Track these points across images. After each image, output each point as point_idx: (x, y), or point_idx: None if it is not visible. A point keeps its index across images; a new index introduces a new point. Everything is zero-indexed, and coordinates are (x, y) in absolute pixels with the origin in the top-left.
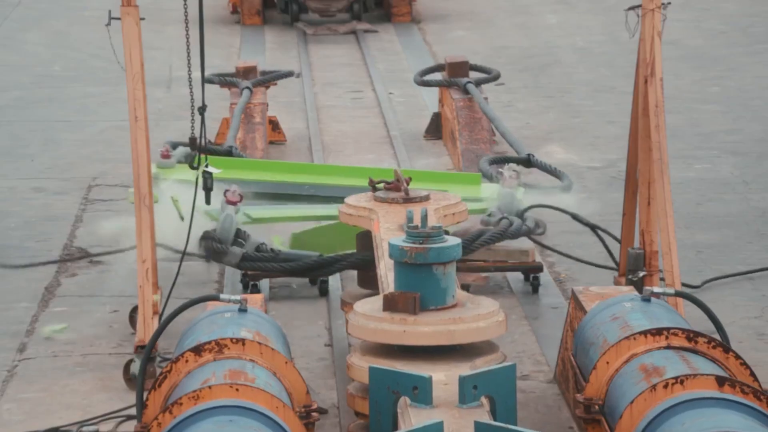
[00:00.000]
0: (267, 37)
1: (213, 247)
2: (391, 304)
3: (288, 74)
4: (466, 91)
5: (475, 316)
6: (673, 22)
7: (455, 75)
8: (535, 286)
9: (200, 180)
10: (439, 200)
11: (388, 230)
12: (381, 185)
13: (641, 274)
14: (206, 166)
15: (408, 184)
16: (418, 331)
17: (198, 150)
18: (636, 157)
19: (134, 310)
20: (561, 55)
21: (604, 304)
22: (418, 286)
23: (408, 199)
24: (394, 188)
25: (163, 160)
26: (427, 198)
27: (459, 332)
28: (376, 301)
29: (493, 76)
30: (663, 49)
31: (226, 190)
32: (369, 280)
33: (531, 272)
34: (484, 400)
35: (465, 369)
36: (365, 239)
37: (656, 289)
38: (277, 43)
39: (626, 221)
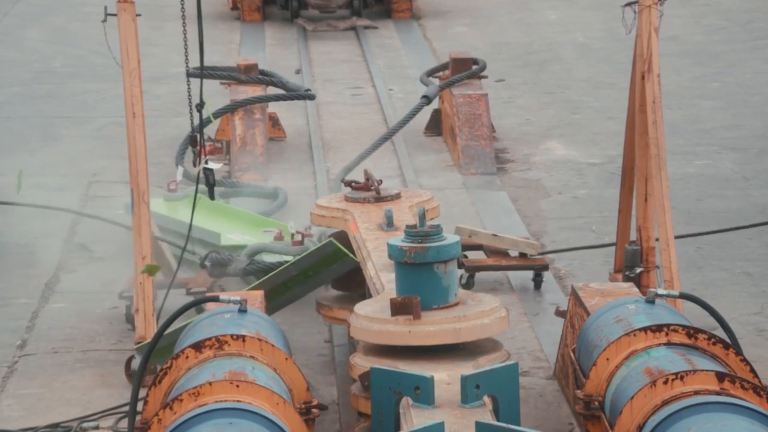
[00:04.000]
0: (267, 34)
1: (217, 259)
2: (400, 309)
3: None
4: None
5: (478, 313)
6: (672, 18)
7: (458, 71)
8: (538, 283)
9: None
10: (410, 197)
11: (368, 230)
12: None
13: (638, 270)
14: (206, 162)
15: (379, 184)
16: (424, 331)
17: (199, 147)
18: (632, 153)
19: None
20: (561, 51)
21: (607, 306)
22: (420, 286)
23: (380, 198)
24: (363, 188)
25: (170, 194)
26: (398, 196)
27: (464, 330)
28: (377, 303)
29: (480, 68)
30: (663, 46)
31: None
32: (343, 282)
33: (536, 270)
34: (486, 399)
35: (468, 368)
36: (342, 241)
37: (660, 291)
38: (277, 39)
39: (622, 217)
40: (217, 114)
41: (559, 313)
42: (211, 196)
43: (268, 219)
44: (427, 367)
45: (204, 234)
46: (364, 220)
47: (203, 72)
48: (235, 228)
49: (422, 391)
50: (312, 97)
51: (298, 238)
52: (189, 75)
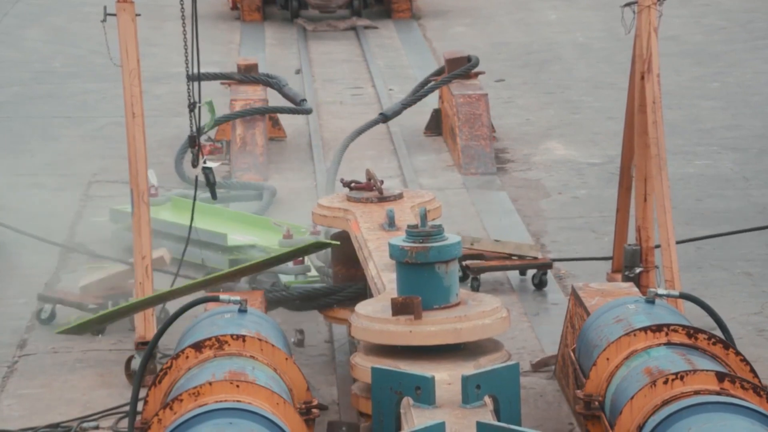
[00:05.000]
0: (267, 34)
1: None
2: (401, 308)
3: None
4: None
5: (479, 313)
6: (673, 18)
7: (453, 71)
8: (543, 282)
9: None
10: (413, 198)
11: (370, 230)
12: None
13: (638, 270)
14: (204, 162)
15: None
16: (425, 331)
17: (197, 147)
18: (630, 153)
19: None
20: (561, 51)
21: (607, 306)
22: (421, 286)
23: (382, 198)
24: (365, 188)
25: (151, 199)
26: (400, 196)
27: (465, 330)
28: (378, 303)
29: (472, 64)
30: (663, 46)
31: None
32: (342, 281)
33: (540, 270)
34: (487, 399)
35: (469, 368)
36: (342, 241)
37: (660, 291)
38: (277, 39)
39: (620, 217)
40: (218, 121)
41: (537, 365)
42: (213, 195)
43: (263, 218)
44: (428, 367)
45: (209, 236)
46: (365, 220)
47: (201, 76)
48: (233, 229)
49: (423, 391)
50: (309, 111)
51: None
52: (189, 78)
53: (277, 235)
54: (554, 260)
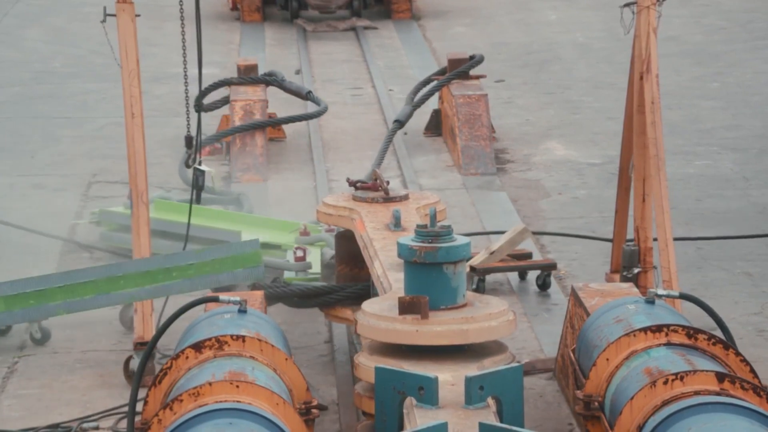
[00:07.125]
0: (267, 34)
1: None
2: (408, 308)
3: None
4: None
5: (486, 315)
6: (672, 18)
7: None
8: (547, 284)
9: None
10: (418, 199)
11: (375, 230)
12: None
13: (636, 270)
14: (199, 163)
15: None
16: (431, 331)
17: (195, 148)
18: (629, 153)
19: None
20: (561, 51)
21: (607, 306)
22: (429, 286)
23: (388, 199)
24: (371, 188)
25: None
26: (406, 197)
27: (472, 331)
28: (384, 302)
29: (476, 61)
30: (663, 46)
31: None
32: (346, 280)
33: (544, 270)
34: (490, 400)
35: (473, 369)
36: (347, 239)
37: (660, 291)
38: (277, 39)
39: (619, 218)
40: (226, 134)
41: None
42: (198, 199)
43: (255, 216)
44: (431, 367)
45: (220, 234)
46: (371, 220)
47: (202, 91)
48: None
49: (426, 392)
50: (324, 109)
51: (300, 253)
52: (196, 108)
53: (271, 233)
54: (542, 232)
